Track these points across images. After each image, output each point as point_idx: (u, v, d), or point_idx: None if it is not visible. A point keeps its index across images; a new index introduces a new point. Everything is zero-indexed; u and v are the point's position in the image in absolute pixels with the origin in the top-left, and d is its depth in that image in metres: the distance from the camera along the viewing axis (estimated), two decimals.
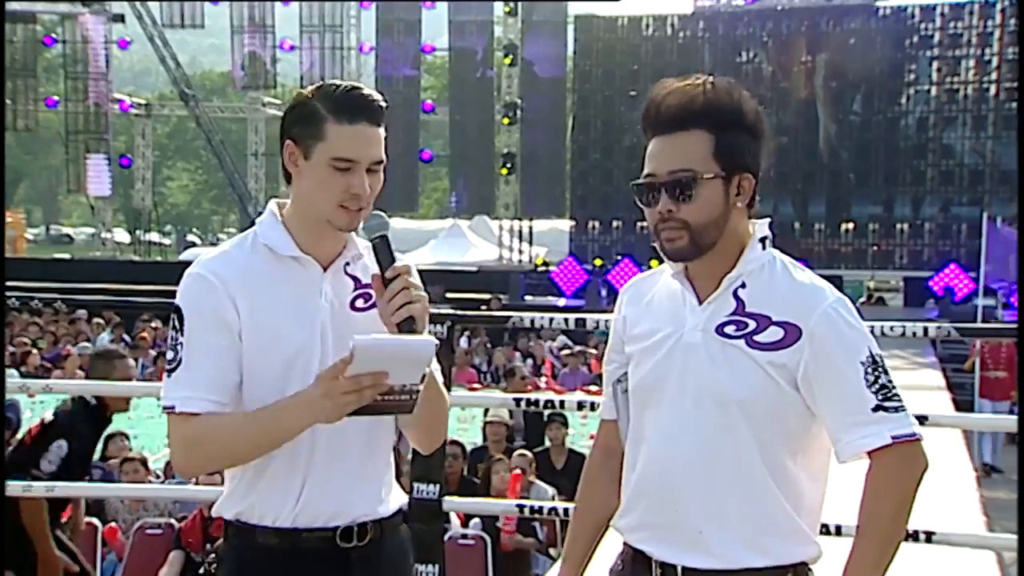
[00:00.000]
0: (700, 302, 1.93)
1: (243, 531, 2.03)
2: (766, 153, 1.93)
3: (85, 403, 4.60)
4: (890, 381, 1.85)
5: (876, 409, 1.83)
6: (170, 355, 1.97)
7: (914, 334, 3.84)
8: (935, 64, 23.03)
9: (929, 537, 3.58)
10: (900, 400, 1.85)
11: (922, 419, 3.58)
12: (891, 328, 3.76)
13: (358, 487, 2.03)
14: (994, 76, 22.49)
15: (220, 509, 2.08)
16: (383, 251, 1.94)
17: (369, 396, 1.81)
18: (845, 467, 1.92)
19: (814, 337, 1.85)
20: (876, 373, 1.84)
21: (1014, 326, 9.56)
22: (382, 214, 1.98)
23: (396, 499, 2.13)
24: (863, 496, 1.86)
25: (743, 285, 1.91)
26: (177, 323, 1.95)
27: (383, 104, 2.00)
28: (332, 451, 1.99)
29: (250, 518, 2.02)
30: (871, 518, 1.85)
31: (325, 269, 2.01)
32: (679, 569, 1.91)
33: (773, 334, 1.87)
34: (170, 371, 1.95)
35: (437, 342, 1.81)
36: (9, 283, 13.49)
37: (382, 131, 1.98)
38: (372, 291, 1.99)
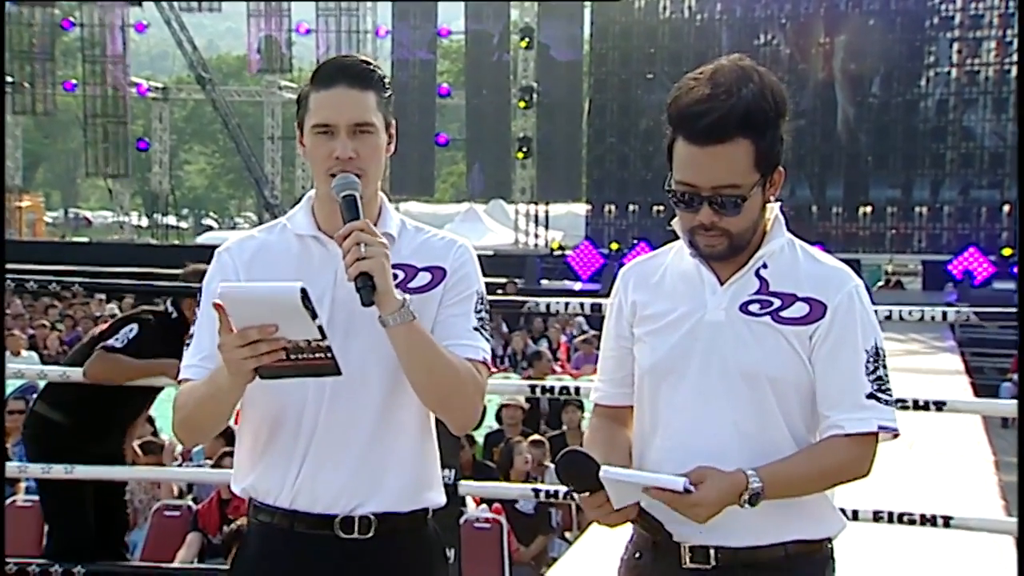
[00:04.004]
0: (721, 282, 1.94)
1: (251, 506, 2.05)
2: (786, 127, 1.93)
3: (166, 314, 4.57)
4: (886, 374, 1.92)
5: (870, 397, 1.89)
6: (192, 330, 2.04)
7: (932, 318, 3.82)
8: (955, 46, 22.74)
9: (947, 522, 3.57)
10: (891, 394, 1.92)
11: (940, 405, 3.57)
12: (910, 312, 3.73)
13: (364, 477, 1.97)
14: (1016, 58, 22.21)
15: (232, 483, 2.11)
16: (346, 210, 1.89)
17: (265, 350, 1.74)
18: None
19: (836, 314, 1.89)
20: (876, 363, 1.90)
21: None
22: (351, 175, 1.92)
23: (422, 497, 2.03)
24: (826, 446, 1.90)
25: (764, 265, 1.94)
26: (198, 300, 2.03)
27: (369, 67, 1.97)
28: (335, 435, 1.96)
29: (255, 494, 2.03)
30: (822, 464, 1.88)
31: None
32: (712, 550, 1.91)
33: (799, 310, 1.90)
34: (187, 345, 2.03)
35: (302, 286, 1.71)
36: (28, 266, 13.57)
37: (368, 95, 1.95)
38: (398, 272, 1.93)
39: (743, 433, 1.89)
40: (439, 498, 2.08)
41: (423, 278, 2.01)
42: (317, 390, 1.95)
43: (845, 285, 1.91)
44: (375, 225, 1.96)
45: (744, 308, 1.91)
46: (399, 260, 1.95)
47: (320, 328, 1.74)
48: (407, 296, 1.87)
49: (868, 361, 1.89)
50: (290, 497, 1.97)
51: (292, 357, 1.77)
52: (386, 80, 2.01)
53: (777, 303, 1.91)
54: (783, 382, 1.89)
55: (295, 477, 1.97)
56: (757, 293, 1.92)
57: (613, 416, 2.09)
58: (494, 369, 12.57)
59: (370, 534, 1.97)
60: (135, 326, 4.48)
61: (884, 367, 1.91)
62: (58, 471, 4.24)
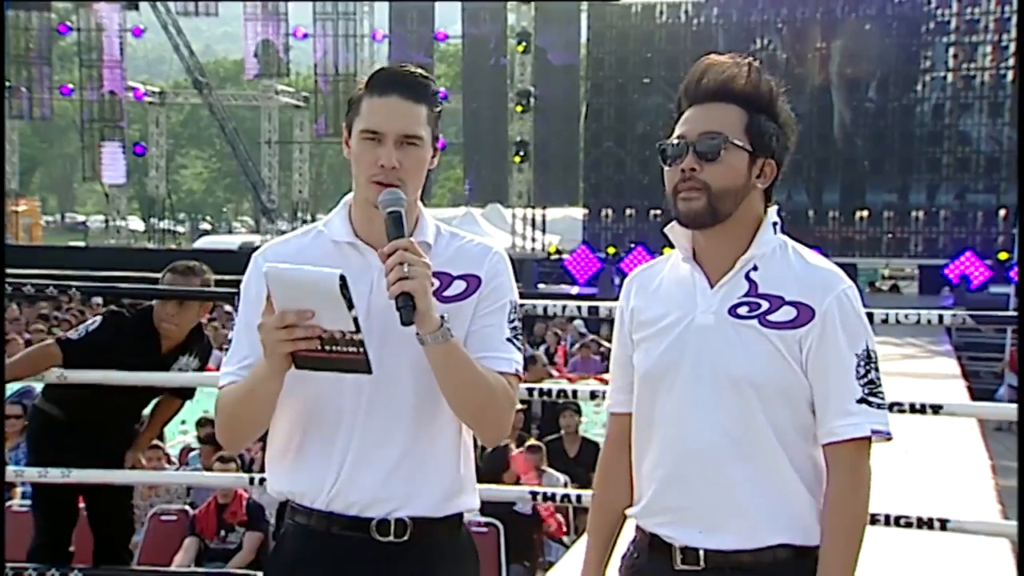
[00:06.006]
0: (711, 285, 1.94)
1: (289, 509, 2.07)
2: (788, 158, 1.98)
3: (145, 311, 4.45)
4: (878, 377, 1.91)
5: (860, 401, 1.88)
6: (228, 336, 2.06)
7: (929, 321, 3.83)
8: (951, 50, 22.81)
9: (943, 524, 3.57)
10: (883, 397, 1.91)
11: (937, 408, 3.58)
12: (906, 316, 3.74)
13: (400, 481, 1.98)
14: (1011, 62, 22.25)
15: (268, 487, 2.11)
16: (391, 227, 1.90)
17: (301, 335, 1.78)
18: None
19: (825, 319, 1.88)
20: (868, 367, 1.89)
21: None
22: (397, 190, 1.94)
23: (458, 502, 2.04)
24: (835, 487, 1.90)
25: (755, 268, 1.94)
26: (236, 305, 2.05)
27: (424, 81, 1.99)
28: (373, 439, 1.97)
29: (293, 497, 2.04)
30: (847, 516, 1.89)
31: None
32: (701, 552, 1.92)
33: (786, 313, 1.90)
34: (225, 350, 2.05)
35: (342, 273, 1.75)
36: (25, 270, 13.52)
37: (421, 108, 1.97)
38: (434, 280, 1.91)
39: (732, 439, 1.90)
40: (474, 502, 2.09)
41: (458, 286, 2.01)
42: (354, 395, 1.95)
43: (833, 289, 1.90)
44: (413, 232, 1.98)
45: (733, 311, 1.91)
46: (435, 268, 1.93)
47: (355, 320, 1.77)
48: (446, 316, 1.88)
49: (859, 365, 1.88)
50: (327, 500, 1.99)
51: (326, 348, 1.81)
52: (438, 95, 2.02)
53: (765, 306, 1.90)
54: (768, 387, 1.89)
55: (333, 480, 1.98)
56: (746, 296, 1.92)
57: (625, 425, 2.10)
58: None
59: (405, 537, 1.99)
60: (98, 319, 4.43)
61: (876, 370, 1.90)
62: (55, 475, 4.23)
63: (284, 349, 1.81)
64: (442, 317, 1.87)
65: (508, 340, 2.01)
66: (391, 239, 1.88)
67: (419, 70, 2.02)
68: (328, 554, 2.00)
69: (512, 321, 2.04)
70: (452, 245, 2.07)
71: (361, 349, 1.80)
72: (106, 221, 33.99)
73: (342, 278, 1.75)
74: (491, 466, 6.79)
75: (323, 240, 2.04)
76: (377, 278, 1.93)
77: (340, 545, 1.99)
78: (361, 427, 1.97)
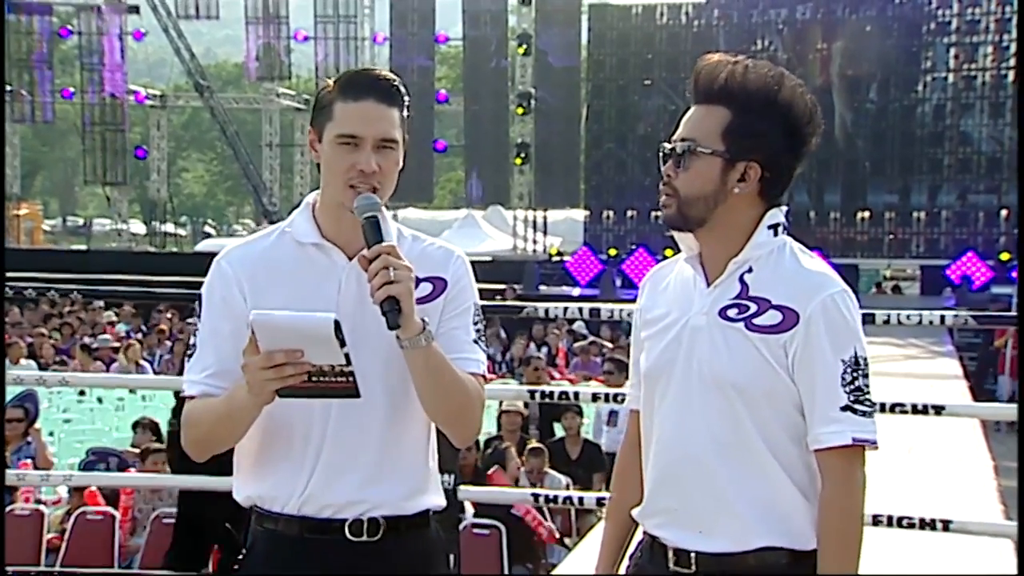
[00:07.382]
0: (708, 286, 1.94)
1: (256, 515, 2.05)
2: (802, 154, 1.95)
3: None
4: (867, 385, 1.87)
5: (844, 409, 1.84)
6: (191, 341, 2.04)
7: (931, 322, 3.83)
8: (952, 51, 22.78)
9: (946, 525, 3.57)
10: (870, 405, 1.87)
11: (939, 408, 3.58)
12: (908, 316, 3.74)
13: (373, 483, 1.98)
14: (1012, 63, 22.23)
15: (235, 493, 2.10)
16: (370, 232, 1.90)
17: (291, 373, 1.78)
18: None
19: (809, 324, 1.85)
20: (855, 374, 1.85)
21: None
22: (373, 195, 1.94)
23: (426, 499, 2.06)
24: (825, 495, 1.87)
25: (750, 270, 1.92)
26: (198, 310, 2.03)
27: (396, 84, 1.99)
28: (345, 443, 1.97)
29: (260, 503, 2.03)
30: (839, 524, 1.86)
31: (351, 258, 1.98)
32: (692, 555, 1.92)
33: (771, 317, 1.88)
34: (188, 356, 2.03)
35: (335, 318, 1.75)
36: (26, 274, 13.55)
37: (394, 111, 1.97)
38: None
39: (720, 442, 1.89)
40: (440, 500, 2.11)
41: (424, 289, 2.02)
42: (324, 400, 1.95)
43: (820, 293, 1.87)
44: None
45: (723, 313, 1.91)
46: None
47: (347, 355, 1.77)
48: (427, 319, 1.89)
49: (845, 371, 1.85)
50: (298, 504, 1.98)
51: (314, 379, 1.81)
52: (407, 99, 2.03)
53: (753, 308, 1.89)
54: (751, 391, 1.87)
55: (304, 485, 1.98)
56: (737, 298, 1.91)
57: (638, 421, 2.10)
58: (492, 376, 12.64)
59: (378, 536, 1.99)
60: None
61: (865, 376, 1.87)
62: (56, 479, 4.23)
63: (272, 388, 1.81)
64: (423, 320, 1.88)
65: (474, 342, 2.04)
66: (370, 244, 1.88)
67: (389, 73, 2.02)
68: (300, 557, 1.99)
69: (476, 323, 2.06)
70: (415, 247, 2.07)
71: (351, 379, 1.81)
72: (87, 223, 33.85)
73: (336, 324, 1.74)
74: (488, 467, 6.79)
75: (287, 241, 2.04)
76: (344, 279, 1.95)
77: (312, 548, 1.99)
78: (333, 430, 1.97)
